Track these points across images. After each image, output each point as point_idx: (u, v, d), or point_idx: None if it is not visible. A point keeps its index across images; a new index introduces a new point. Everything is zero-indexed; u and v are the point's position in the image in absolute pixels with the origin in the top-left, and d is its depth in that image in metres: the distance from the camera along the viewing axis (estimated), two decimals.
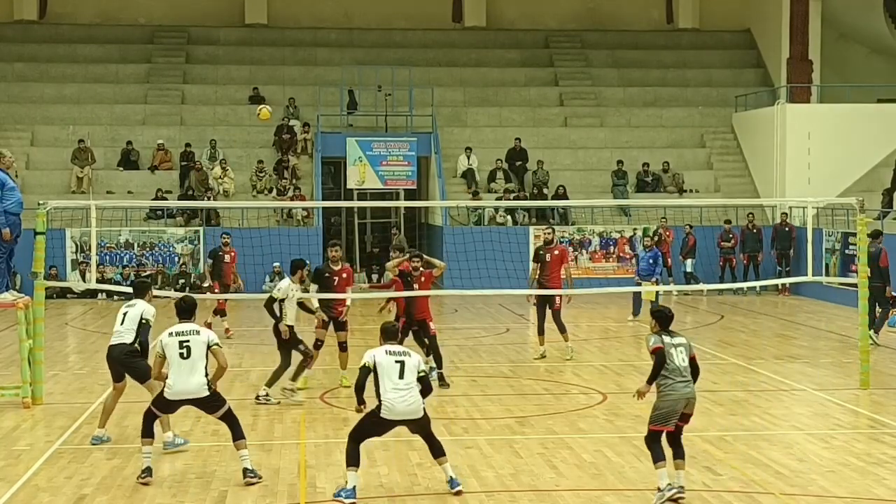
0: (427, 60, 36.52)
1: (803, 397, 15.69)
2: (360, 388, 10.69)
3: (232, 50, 37.02)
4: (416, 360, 10.75)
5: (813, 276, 19.12)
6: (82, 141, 31.67)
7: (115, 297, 28.00)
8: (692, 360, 10.52)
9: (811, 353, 19.75)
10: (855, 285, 17.82)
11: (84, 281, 27.37)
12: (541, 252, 18.73)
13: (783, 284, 28.22)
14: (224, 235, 22.72)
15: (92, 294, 28.42)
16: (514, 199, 30.82)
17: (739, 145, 34.53)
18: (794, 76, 34.70)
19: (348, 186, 32.09)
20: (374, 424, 10.70)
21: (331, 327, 16.25)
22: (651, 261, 23.10)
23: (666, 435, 10.50)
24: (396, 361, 10.60)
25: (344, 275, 16.19)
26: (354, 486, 10.48)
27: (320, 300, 16.18)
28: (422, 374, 10.69)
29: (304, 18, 37.95)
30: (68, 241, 28.94)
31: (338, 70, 34.77)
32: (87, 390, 16.10)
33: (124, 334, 12.70)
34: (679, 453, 10.52)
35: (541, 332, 18.72)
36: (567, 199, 30.42)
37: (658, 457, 10.41)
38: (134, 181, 31.79)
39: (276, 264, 27.70)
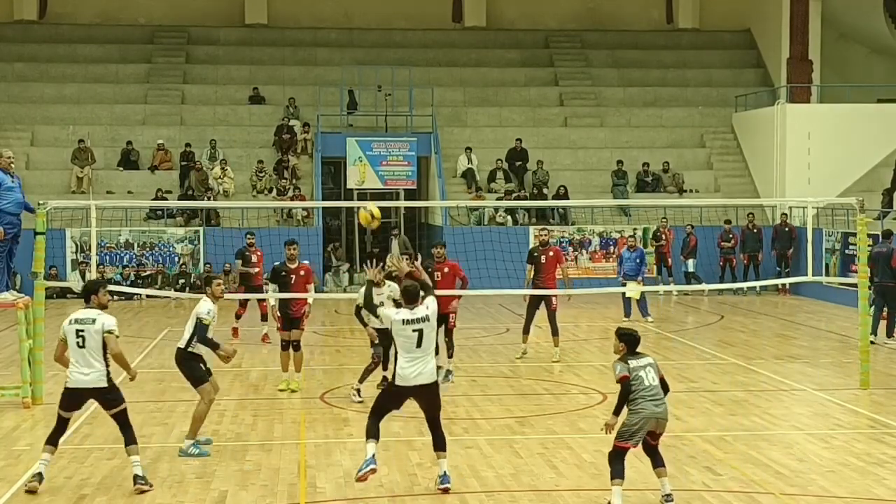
0: (427, 60, 36.52)
1: (803, 397, 15.69)
2: (368, 305, 11.52)
3: (232, 50, 37.02)
4: (435, 323, 10.75)
5: (813, 276, 19.11)
6: (82, 141, 31.67)
7: (115, 298, 28.05)
8: (661, 380, 10.19)
9: (811, 353, 19.75)
10: (855, 285, 17.81)
11: (84, 281, 27.33)
12: (535, 253, 18.73)
13: (783, 285, 28.23)
14: (249, 235, 21.95)
15: None
16: (514, 199, 30.83)
17: (739, 145, 34.53)
18: (794, 76, 34.71)
19: (348, 186, 32.08)
20: (390, 396, 10.81)
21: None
22: (637, 261, 23.24)
23: (644, 447, 10.25)
24: (414, 331, 10.59)
25: (301, 272, 16.19)
26: (374, 455, 10.52)
27: (280, 299, 16.11)
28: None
29: (304, 18, 37.96)
30: (68, 241, 28.93)
31: (338, 70, 34.78)
32: None
33: (183, 337, 12.47)
34: (658, 461, 10.29)
35: (526, 331, 18.82)
36: (568, 199, 30.44)
37: (616, 473, 10.10)
38: (134, 181, 31.79)
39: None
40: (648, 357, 10.30)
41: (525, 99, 36.08)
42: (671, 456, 12.03)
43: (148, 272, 29.24)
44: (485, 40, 37.98)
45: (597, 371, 17.74)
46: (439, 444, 10.79)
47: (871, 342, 17.80)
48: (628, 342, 10.26)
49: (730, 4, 38.44)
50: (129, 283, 28.59)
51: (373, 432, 10.63)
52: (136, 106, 34.34)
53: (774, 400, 15.52)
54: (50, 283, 19.69)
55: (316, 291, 28.31)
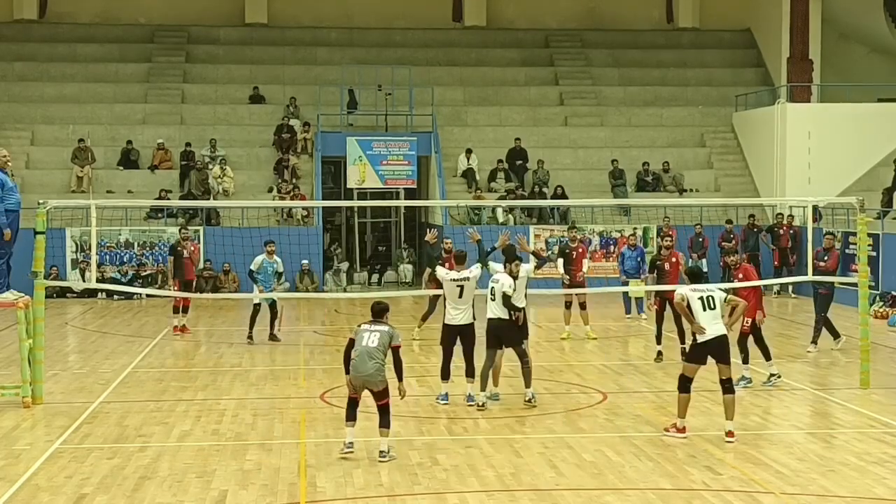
0: (427, 60, 36.52)
1: (803, 397, 15.70)
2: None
3: (232, 49, 37.02)
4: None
5: (813, 276, 19.10)
6: (82, 140, 31.66)
7: (115, 297, 28.06)
8: (390, 348, 11.83)
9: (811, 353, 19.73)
10: (855, 285, 17.81)
11: (84, 280, 27.36)
12: (657, 262, 18.82)
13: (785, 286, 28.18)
14: (182, 230, 22.92)
15: (92, 293, 28.42)
16: (514, 198, 30.82)
17: (739, 145, 34.53)
18: (795, 76, 34.70)
19: (348, 186, 32.07)
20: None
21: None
22: (638, 259, 23.32)
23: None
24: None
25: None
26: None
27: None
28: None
29: (304, 18, 37.96)
30: (68, 241, 28.93)
31: (338, 69, 34.77)
32: (87, 390, 16.11)
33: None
34: (381, 422, 11.96)
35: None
36: (565, 198, 30.43)
37: (347, 416, 12.08)
38: (134, 181, 31.78)
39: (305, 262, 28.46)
40: (381, 328, 11.85)
41: (525, 98, 36.08)
42: (671, 455, 12.05)
43: (148, 272, 29.23)
44: (485, 40, 37.98)
45: (597, 371, 17.74)
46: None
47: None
48: (373, 311, 12.21)
49: (730, 4, 38.45)
50: (128, 282, 28.56)
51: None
52: (136, 105, 34.33)
53: (774, 400, 15.52)
54: (50, 282, 19.69)
55: (316, 291, 28.62)
